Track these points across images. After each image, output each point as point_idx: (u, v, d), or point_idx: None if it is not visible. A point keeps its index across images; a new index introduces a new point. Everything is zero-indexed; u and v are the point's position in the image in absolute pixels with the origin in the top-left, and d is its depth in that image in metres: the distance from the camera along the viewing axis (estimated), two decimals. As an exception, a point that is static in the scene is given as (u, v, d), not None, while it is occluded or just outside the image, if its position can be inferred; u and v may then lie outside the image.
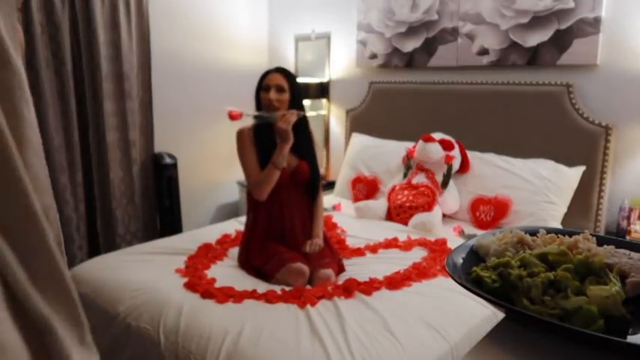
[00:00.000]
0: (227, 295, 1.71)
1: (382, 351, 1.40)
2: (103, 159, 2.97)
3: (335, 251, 2.10)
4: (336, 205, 2.91)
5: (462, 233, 2.44)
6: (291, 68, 3.73)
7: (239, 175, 3.41)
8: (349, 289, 1.75)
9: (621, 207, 2.34)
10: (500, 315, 0.69)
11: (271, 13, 3.94)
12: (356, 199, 2.97)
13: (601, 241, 0.75)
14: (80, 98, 2.84)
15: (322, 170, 2.80)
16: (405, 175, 2.77)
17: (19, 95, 0.39)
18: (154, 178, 3.24)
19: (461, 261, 0.74)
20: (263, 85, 2.02)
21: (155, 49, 3.18)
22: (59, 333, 0.40)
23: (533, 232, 0.79)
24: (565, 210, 2.40)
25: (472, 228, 2.52)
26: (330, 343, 1.42)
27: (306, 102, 3.47)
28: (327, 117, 3.69)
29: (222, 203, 3.82)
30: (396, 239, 2.30)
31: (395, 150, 2.96)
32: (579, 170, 2.41)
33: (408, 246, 2.24)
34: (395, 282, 1.82)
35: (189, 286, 1.77)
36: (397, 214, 2.63)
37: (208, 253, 2.13)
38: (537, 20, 2.54)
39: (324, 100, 3.65)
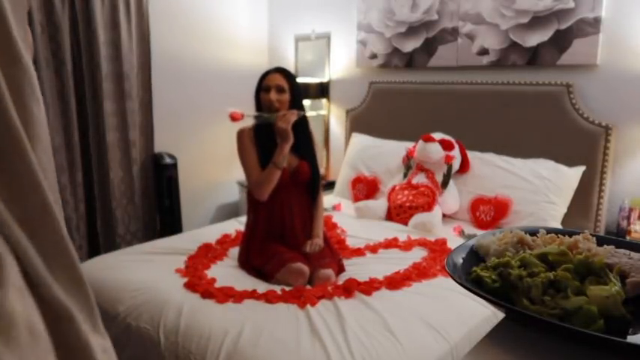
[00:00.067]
0: (227, 295, 1.71)
1: (382, 351, 1.40)
2: (103, 159, 2.97)
3: (335, 251, 2.10)
4: (336, 205, 2.91)
5: (462, 233, 2.44)
6: (291, 68, 3.73)
7: (239, 175, 3.42)
8: (349, 289, 1.75)
9: (621, 207, 2.34)
10: (500, 315, 0.69)
11: (271, 13, 3.94)
12: (356, 199, 2.97)
13: (601, 241, 0.75)
14: (80, 98, 2.84)
15: (322, 170, 2.80)
16: (405, 175, 2.77)
17: (29, 93, 0.40)
18: (154, 178, 3.25)
19: (461, 261, 0.74)
20: (263, 86, 2.02)
21: (155, 49, 3.18)
22: (77, 320, 0.42)
23: (533, 232, 0.79)
24: (565, 210, 2.40)
25: (472, 228, 2.52)
26: (330, 343, 1.42)
27: (306, 102, 3.47)
28: (327, 117, 3.69)
29: (222, 203, 3.82)
30: (396, 239, 2.30)
31: (395, 150, 2.96)
32: (579, 170, 2.41)
33: (408, 246, 2.24)
34: (395, 282, 1.82)
35: (189, 286, 1.77)
36: (397, 214, 2.63)
37: (208, 253, 2.13)
38: (537, 20, 2.54)
39: (324, 100, 3.65)
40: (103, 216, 3.02)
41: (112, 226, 3.03)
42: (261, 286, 1.81)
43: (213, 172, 3.72)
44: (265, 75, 2.04)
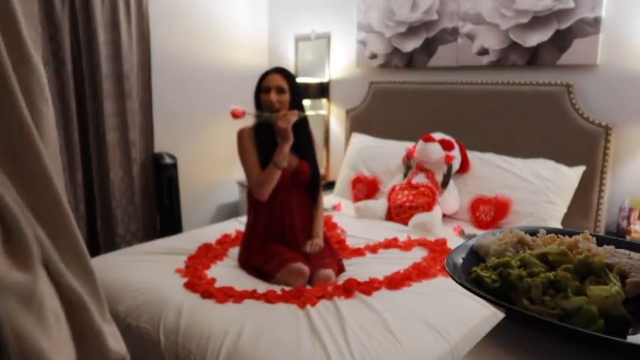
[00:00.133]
0: (227, 295, 1.71)
1: (382, 351, 1.40)
2: (103, 159, 2.97)
3: (335, 251, 2.10)
4: (336, 205, 2.91)
5: (462, 233, 2.44)
6: (291, 68, 3.73)
7: (239, 175, 3.42)
8: (349, 289, 1.75)
9: (621, 207, 2.34)
10: (500, 315, 0.69)
11: (271, 13, 3.94)
12: (356, 199, 2.97)
13: (601, 241, 0.75)
14: (80, 98, 2.84)
15: (322, 170, 2.80)
16: (405, 175, 2.77)
17: (37, 92, 0.42)
18: (154, 178, 3.25)
19: (461, 261, 0.73)
20: (263, 87, 2.02)
21: (155, 49, 3.18)
22: (90, 308, 0.44)
23: (533, 232, 0.79)
24: (565, 210, 2.40)
25: (472, 228, 2.52)
26: (330, 343, 1.42)
27: (306, 102, 3.47)
28: (327, 117, 3.69)
29: (222, 203, 3.82)
30: (396, 239, 2.30)
31: (395, 150, 2.96)
32: (579, 170, 2.41)
33: (408, 246, 2.24)
34: (395, 282, 1.82)
35: (189, 286, 1.77)
36: (397, 214, 2.63)
37: (208, 253, 2.13)
38: (537, 20, 2.54)
39: (324, 100, 3.65)
40: (103, 216, 3.02)
41: (112, 226, 3.03)
42: (261, 286, 1.81)
43: (213, 172, 3.72)
44: (265, 75, 2.04)
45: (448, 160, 2.63)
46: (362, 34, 3.31)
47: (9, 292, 0.36)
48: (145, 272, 1.90)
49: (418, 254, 2.15)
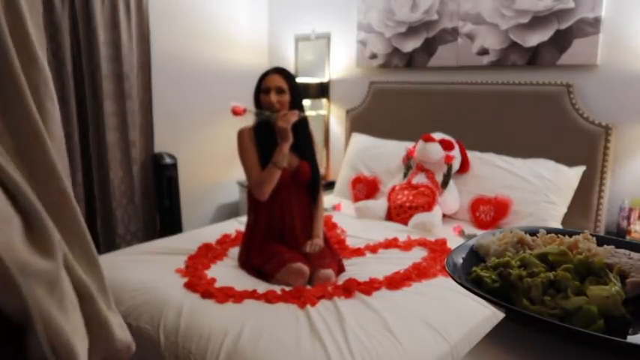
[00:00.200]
0: (227, 295, 1.71)
1: (382, 351, 1.40)
2: (103, 159, 2.97)
3: (335, 251, 2.10)
4: (336, 205, 2.91)
5: (462, 233, 2.44)
6: (291, 68, 3.73)
7: (239, 175, 3.42)
8: (349, 289, 1.75)
9: (621, 207, 2.34)
10: (500, 315, 0.69)
11: (271, 13, 3.94)
12: (356, 199, 2.97)
13: (601, 241, 0.75)
14: (80, 98, 2.84)
15: (322, 170, 2.80)
16: (405, 175, 2.77)
17: (43, 91, 0.44)
18: (154, 178, 3.25)
19: (461, 261, 0.73)
20: (263, 88, 2.01)
21: (155, 49, 3.18)
22: (97, 299, 0.46)
23: (533, 232, 0.79)
24: (565, 210, 2.40)
25: (472, 228, 2.52)
26: (330, 343, 1.42)
27: (306, 102, 3.47)
28: (327, 117, 3.69)
29: (222, 203, 3.82)
30: (396, 239, 2.30)
31: (395, 150, 2.96)
32: (579, 170, 2.41)
33: (408, 246, 2.24)
34: (395, 282, 1.82)
35: (189, 286, 1.77)
36: (397, 214, 2.63)
37: (208, 253, 2.13)
38: (537, 20, 2.54)
39: (324, 100, 3.65)
40: (103, 216, 3.02)
41: (111, 226, 3.03)
42: (261, 286, 1.81)
43: (213, 172, 3.72)
44: (264, 76, 2.03)
45: (448, 160, 2.63)
46: (362, 34, 3.31)
47: (36, 278, 0.38)
48: (144, 272, 1.90)
49: (418, 254, 2.15)
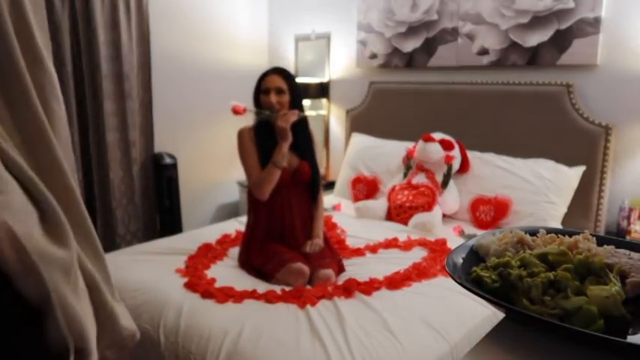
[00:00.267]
0: (227, 295, 1.71)
1: (382, 351, 1.40)
2: (103, 159, 2.97)
3: (335, 251, 2.10)
4: (336, 205, 2.91)
5: (462, 233, 2.44)
6: (291, 68, 3.73)
7: (239, 175, 3.42)
8: (349, 289, 1.75)
9: (621, 207, 2.34)
10: (500, 315, 0.69)
11: (271, 13, 3.94)
12: (356, 199, 2.97)
13: (601, 241, 0.75)
14: (80, 98, 2.84)
15: (322, 170, 2.80)
16: (405, 175, 2.77)
17: (49, 91, 0.45)
18: (154, 178, 3.25)
19: (461, 261, 0.73)
20: (262, 88, 2.01)
21: (155, 49, 3.18)
22: (102, 289, 0.48)
23: (533, 232, 0.79)
24: (565, 210, 2.40)
25: (472, 228, 2.52)
26: (330, 343, 1.42)
27: (306, 102, 3.47)
28: (327, 117, 3.69)
29: (222, 203, 3.82)
30: (396, 239, 2.30)
31: (395, 150, 2.96)
32: (579, 170, 2.41)
33: (408, 246, 2.24)
34: (395, 282, 1.82)
35: (189, 286, 1.77)
36: (397, 214, 2.63)
37: (208, 253, 2.13)
38: (537, 20, 2.54)
39: (324, 100, 3.65)
40: (103, 216, 3.02)
41: (112, 226, 3.03)
42: (261, 286, 1.81)
43: (213, 172, 3.72)
44: (264, 76, 2.03)
45: (448, 160, 2.63)
46: (362, 34, 3.31)
47: (54, 266, 0.41)
48: (144, 272, 1.90)
49: (418, 254, 2.15)
